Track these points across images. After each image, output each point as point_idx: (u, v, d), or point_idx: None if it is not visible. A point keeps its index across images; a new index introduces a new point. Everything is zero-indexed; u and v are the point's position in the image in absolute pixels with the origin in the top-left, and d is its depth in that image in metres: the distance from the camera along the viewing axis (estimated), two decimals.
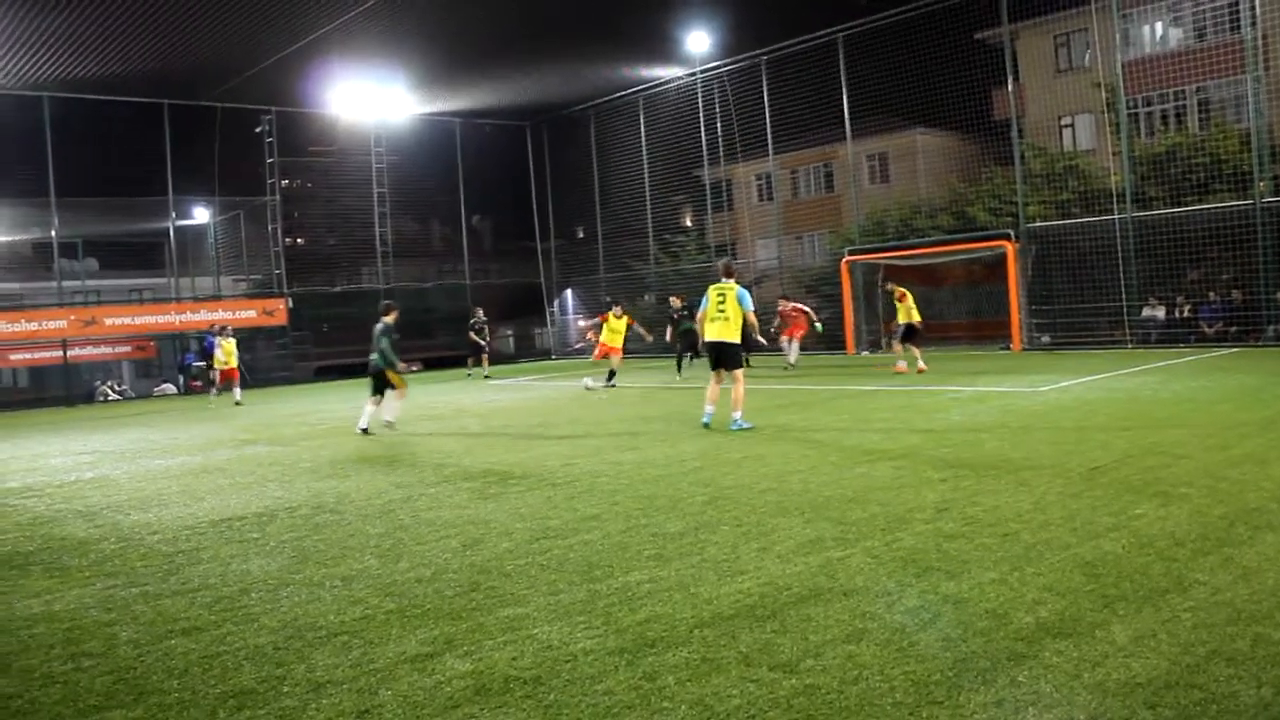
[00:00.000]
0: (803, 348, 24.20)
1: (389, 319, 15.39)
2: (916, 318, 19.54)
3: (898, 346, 19.92)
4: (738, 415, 12.31)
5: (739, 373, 12.55)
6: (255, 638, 5.16)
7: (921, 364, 19.40)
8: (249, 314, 31.56)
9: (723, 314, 12.32)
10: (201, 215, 37.58)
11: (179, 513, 9.05)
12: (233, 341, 24.20)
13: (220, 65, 27.65)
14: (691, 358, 22.81)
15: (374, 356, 15.17)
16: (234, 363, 24.06)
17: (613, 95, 34.92)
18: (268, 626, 5.34)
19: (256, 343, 32.19)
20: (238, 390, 24.29)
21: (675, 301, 23.34)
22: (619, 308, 21.79)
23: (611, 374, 21.52)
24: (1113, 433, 10.27)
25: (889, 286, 20.66)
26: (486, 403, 19.72)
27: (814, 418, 13.39)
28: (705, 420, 12.65)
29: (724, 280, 12.57)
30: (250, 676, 4.60)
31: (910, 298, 19.55)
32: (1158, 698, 3.70)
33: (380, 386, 15.32)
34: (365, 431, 14.95)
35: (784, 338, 23.80)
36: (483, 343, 28.24)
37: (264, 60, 27.26)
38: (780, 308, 23.84)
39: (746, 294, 12.48)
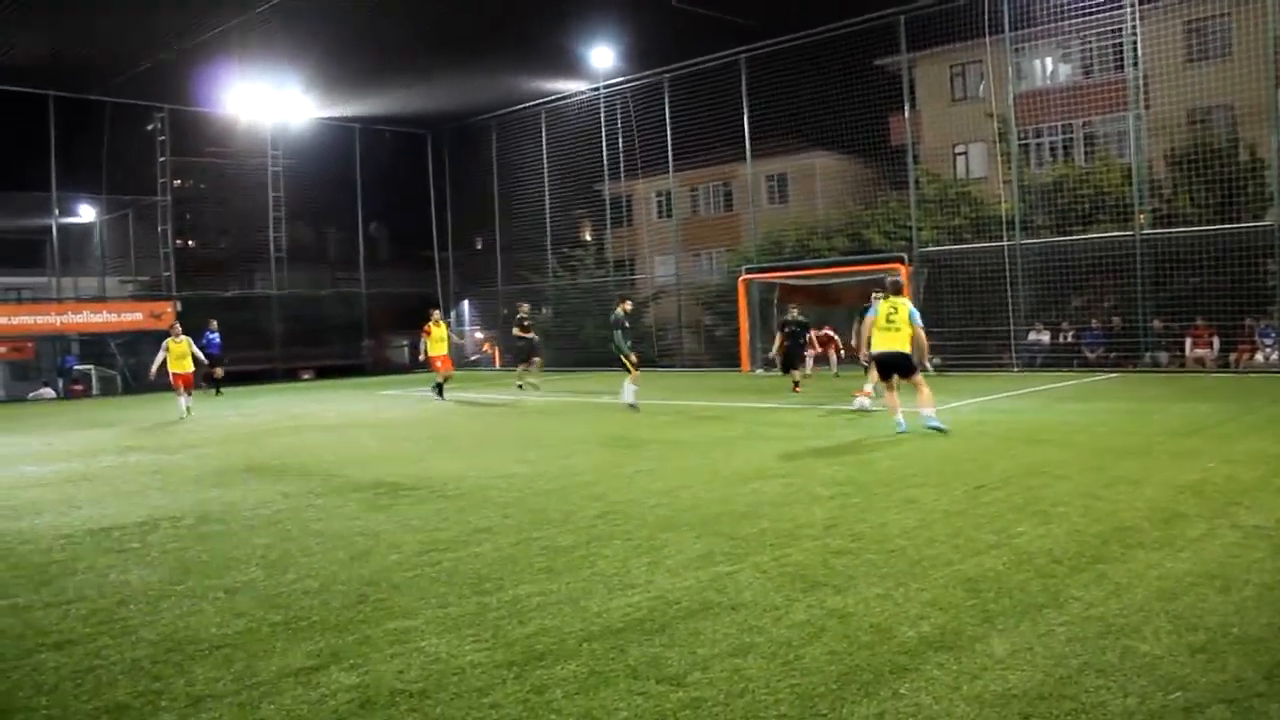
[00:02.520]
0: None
1: (620, 310, 16.76)
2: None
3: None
4: (929, 413, 12.61)
5: (917, 378, 12.91)
6: (132, 651, 5.00)
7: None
8: (135, 317, 30.61)
9: (893, 325, 12.84)
10: (88, 213, 36.38)
11: (54, 521, 8.73)
12: (185, 341, 20.82)
13: (112, 59, 26.74)
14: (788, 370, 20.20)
15: (613, 344, 17.08)
16: (187, 367, 20.59)
17: (515, 107, 34.76)
18: (146, 639, 5.18)
19: (142, 346, 31.15)
20: (185, 399, 20.25)
21: (794, 312, 20.22)
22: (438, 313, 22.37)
23: (439, 386, 21.81)
24: (997, 453, 10.55)
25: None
26: (378, 413, 19.45)
27: (708, 433, 13.50)
28: (901, 427, 12.64)
29: (894, 296, 13.12)
30: (126, 691, 4.45)
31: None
32: (1032, 708, 3.81)
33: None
34: (633, 406, 16.67)
35: (814, 352, 23.78)
36: (533, 337, 24.31)
37: (158, 56, 26.50)
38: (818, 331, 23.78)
39: (918, 312, 13.01)
